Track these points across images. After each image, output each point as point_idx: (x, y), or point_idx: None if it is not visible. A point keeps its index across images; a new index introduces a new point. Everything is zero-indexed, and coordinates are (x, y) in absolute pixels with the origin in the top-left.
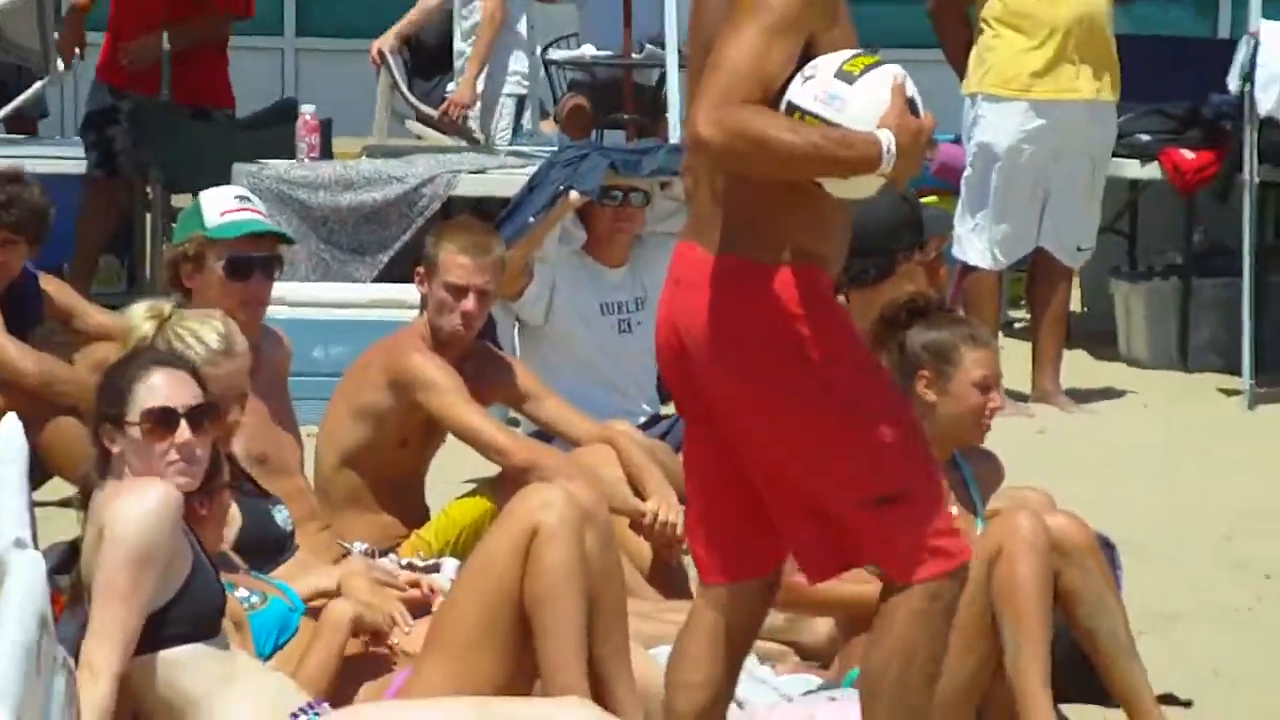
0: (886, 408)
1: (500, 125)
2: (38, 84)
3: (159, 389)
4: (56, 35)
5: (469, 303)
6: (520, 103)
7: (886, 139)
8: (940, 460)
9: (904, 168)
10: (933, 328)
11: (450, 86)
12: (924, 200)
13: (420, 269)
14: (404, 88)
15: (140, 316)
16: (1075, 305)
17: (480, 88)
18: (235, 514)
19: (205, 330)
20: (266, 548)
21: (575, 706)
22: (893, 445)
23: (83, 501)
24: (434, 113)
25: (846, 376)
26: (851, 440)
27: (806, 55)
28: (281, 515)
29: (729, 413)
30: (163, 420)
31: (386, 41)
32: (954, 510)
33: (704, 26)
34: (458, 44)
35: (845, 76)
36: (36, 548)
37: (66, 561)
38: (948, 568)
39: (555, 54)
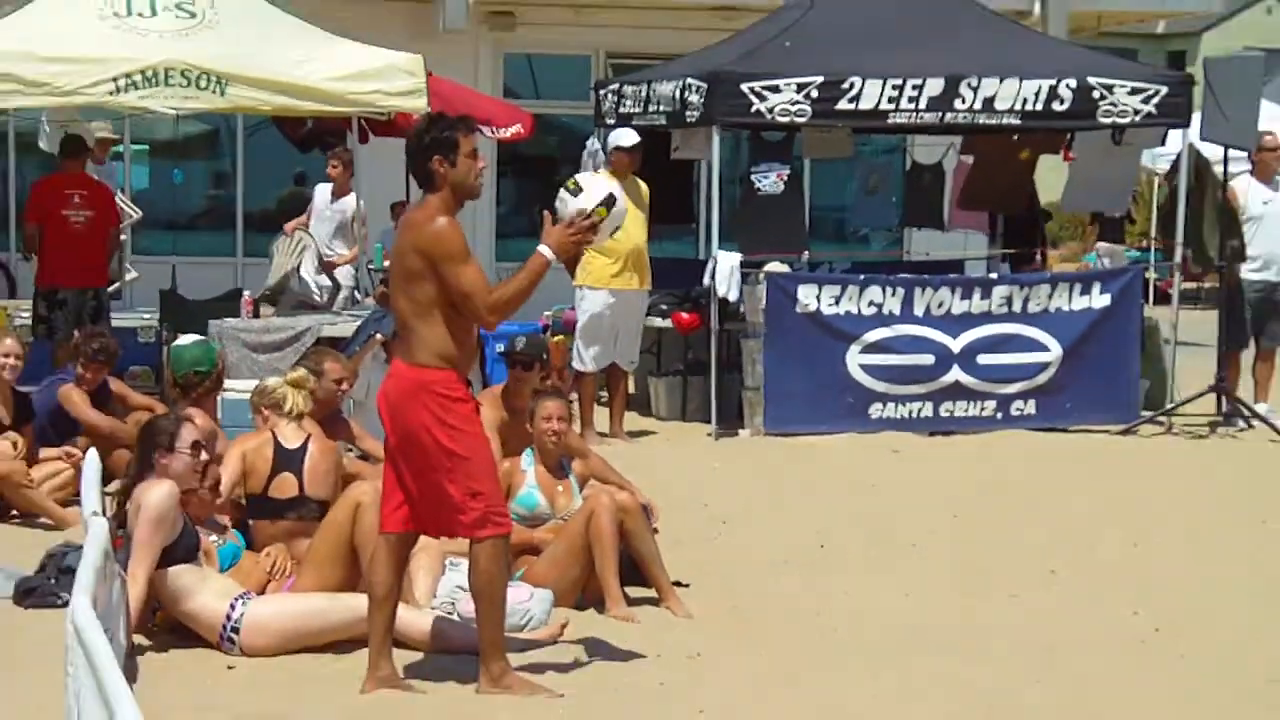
0: (481, 450)
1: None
2: (117, 283)
3: (194, 432)
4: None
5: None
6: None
7: (544, 249)
8: (552, 462)
9: (564, 250)
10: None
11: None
12: (556, 338)
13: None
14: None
15: (284, 379)
16: (632, 389)
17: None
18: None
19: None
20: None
21: None
22: (481, 467)
23: (122, 490)
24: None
25: (466, 433)
26: (465, 463)
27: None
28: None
29: (408, 443)
30: (196, 447)
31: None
32: (561, 489)
33: (403, 266)
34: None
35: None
36: (104, 515)
37: (120, 522)
38: (499, 532)
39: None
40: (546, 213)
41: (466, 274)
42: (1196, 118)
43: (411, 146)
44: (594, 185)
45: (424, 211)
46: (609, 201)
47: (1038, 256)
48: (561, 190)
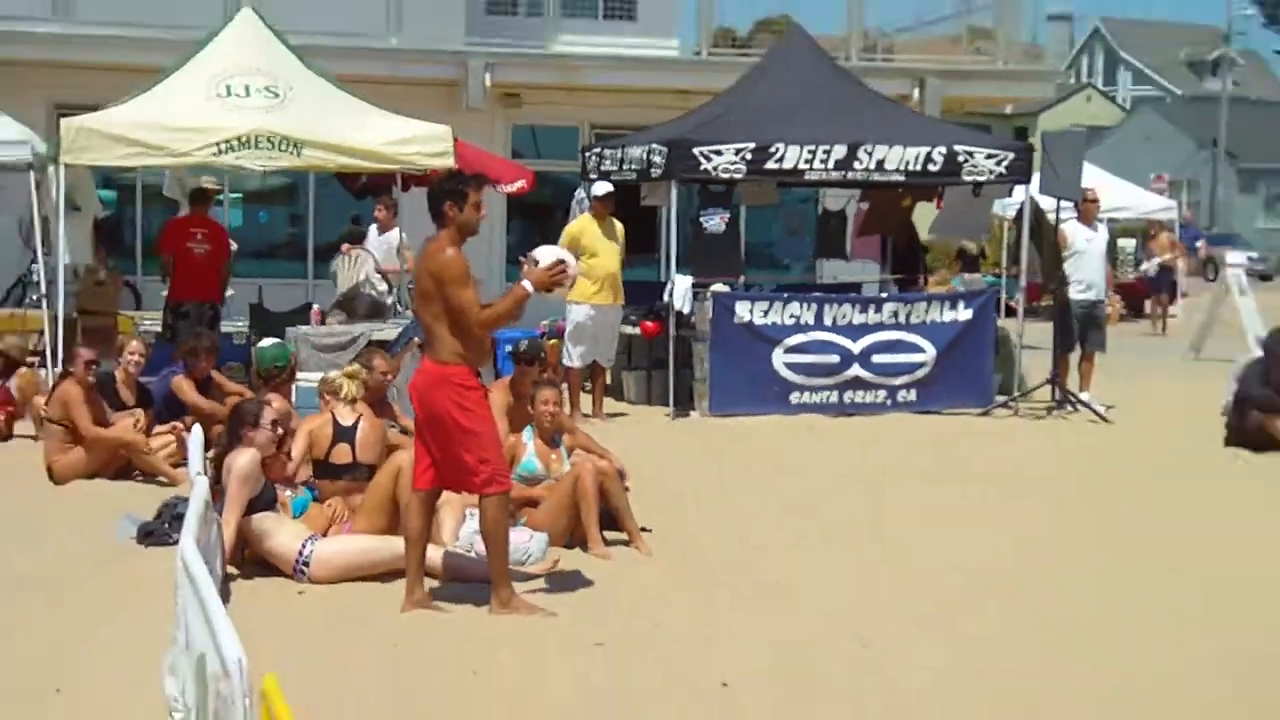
0: (489, 426)
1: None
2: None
3: (272, 412)
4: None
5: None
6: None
7: (526, 283)
8: (547, 436)
9: (541, 285)
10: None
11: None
12: (551, 341)
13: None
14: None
15: (341, 372)
16: (608, 381)
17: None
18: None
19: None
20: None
21: None
22: (489, 439)
23: (218, 456)
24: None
25: (477, 413)
26: (476, 437)
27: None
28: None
29: (432, 421)
30: (274, 424)
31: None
32: (554, 457)
33: (421, 286)
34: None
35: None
36: (205, 475)
37: (216, 480)
38: (502, 489)
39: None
40: (522, 259)
41: (464, 295)
42: (1036, 177)
43: (432, 192)
44: (543, 254)
45: (436, 244)
46: (555, 263)
47: (919, 280)
48: (526, 264)
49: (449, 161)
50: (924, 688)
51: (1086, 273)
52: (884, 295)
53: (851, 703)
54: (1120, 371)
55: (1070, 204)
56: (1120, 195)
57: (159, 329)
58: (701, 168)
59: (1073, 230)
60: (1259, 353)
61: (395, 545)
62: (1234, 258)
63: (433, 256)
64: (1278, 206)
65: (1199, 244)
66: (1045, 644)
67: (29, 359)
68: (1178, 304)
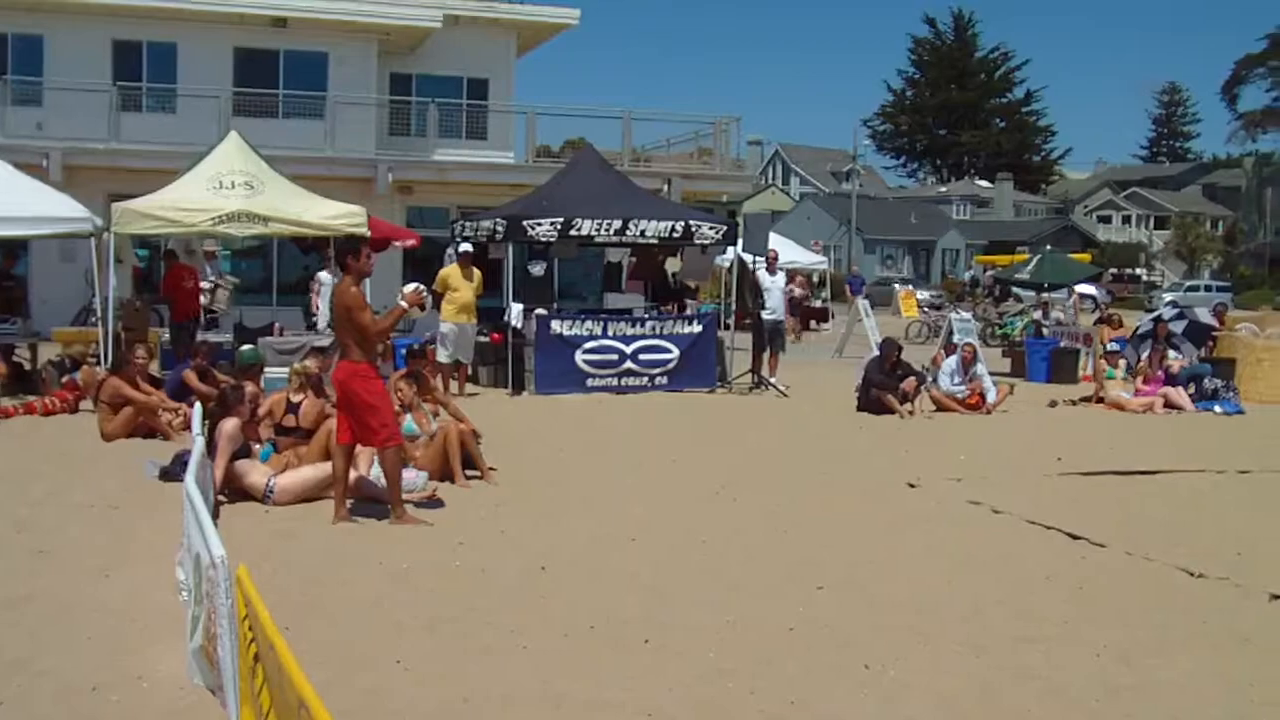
0: (385, 403)
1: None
2: (217, 315)
3: (248, 394)
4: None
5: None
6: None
7: (402, 302)
8: (408, 406)
9: (410, 303)
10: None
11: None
12: (431, 345)
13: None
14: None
15: (299, 365)
16: (469, 372)
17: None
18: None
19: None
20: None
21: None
22: (386, 411)
23: (212, 423)
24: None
25: (378, 392)
26: (376, 410)
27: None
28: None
29: (347, 399)
30: (251, 401)
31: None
32: (425, 420)
33: (337, 314)
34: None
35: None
36: (203, 435)
37: (209, 442)
38: (395, 444)
39: None
40: (401, 289)
41: (363, 317)
42: (740, 242)
43: (338, 248)
44: (409, 287)
45: (343, 284)
46: (417, 290)
47: (672, 307)
48: (402, 289)
49: (365, 230)
50: (678, 563)
51: (772, 302)
52: (646, 316)
53: (630, 577)
54: (793, 365)
55: (762, 259)
56: (792, 254)
57: (169, 339)
58: (528, 234)
59: (763, 275)
60: (878, 352)
61: (327, 479)
62: (865, 297)
63: (342, 293)
64: (888, 262)
65: (864, 287)
66: (763, 508)
67: (89, 359)
68: (829, 323)
